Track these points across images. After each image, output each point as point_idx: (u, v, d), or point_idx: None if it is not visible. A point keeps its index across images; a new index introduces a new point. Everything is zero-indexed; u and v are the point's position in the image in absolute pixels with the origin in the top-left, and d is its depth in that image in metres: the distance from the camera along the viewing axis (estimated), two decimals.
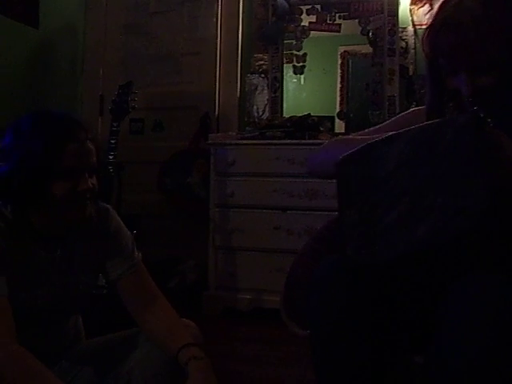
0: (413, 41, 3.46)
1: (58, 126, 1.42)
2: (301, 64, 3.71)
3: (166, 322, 1.51)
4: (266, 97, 3.70)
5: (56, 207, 1.40)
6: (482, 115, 1.05)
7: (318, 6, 3.63)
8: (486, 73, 1.22)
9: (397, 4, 3.42)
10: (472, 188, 1.01)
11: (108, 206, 1.62)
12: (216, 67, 3.83)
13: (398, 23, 3.42)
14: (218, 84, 3.83)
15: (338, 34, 3.62)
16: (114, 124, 2.91)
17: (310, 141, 3.13)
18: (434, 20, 1.29)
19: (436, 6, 1.33)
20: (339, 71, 3.71)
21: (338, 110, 3.66)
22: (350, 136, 1.48)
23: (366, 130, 1.55)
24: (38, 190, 1.38)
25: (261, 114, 3.69)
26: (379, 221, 1.11)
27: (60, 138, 1.39)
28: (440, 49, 1.26)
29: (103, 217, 1.58)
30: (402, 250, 1.09)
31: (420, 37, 3.12)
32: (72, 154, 1.39)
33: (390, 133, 1.15)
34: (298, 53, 3.70)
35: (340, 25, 3.60)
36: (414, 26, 3.46)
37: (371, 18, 3.49)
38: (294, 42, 3.69)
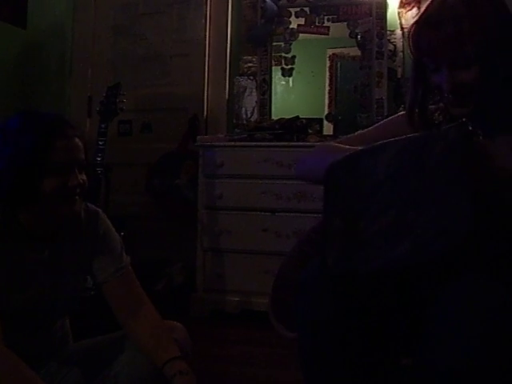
0: (401, 44, 3.47)
1: (46, 123, 1.42)
2: (289, 66, 3.71)
3: (151, 331, 1.51)
4: (255, 99, 3.70)
5: (46, 203, 1.40)
6: (470, 128, 1.06)
7: (307, 9, 3.64)
8: (466, 69, 1.24)
9: (385, 7, 3.43)
10: (455, 210, 1.01)
11: (98, 209, 1.62)
12: (204, 69, 3.82)
13: (386, 26, 3.44)
14: (206, 86, 3.82)
15: (326, 36, 3.62)
16: (102, 125, 2.89)
17: (299, 143, 3.13)
18: (418, 18, 1.32)
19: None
20: (328, 74, 3.71)
21: (326, 112, 3.66)
22: (339, 142, 1.48)
23: (353, 135, 1.55)
24: (28, 188, 1.38)
25: (249, 116, 3.69)
26: (361, 232, 1.11)
27: (48, 134, 1.40)
28: (422, 46, 1.29)
29: (93, 219, 1.58)
30: (381, 265, 1.09)
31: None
32: (61, 149, 1.40)
33: (378, 142, 1.16)
34: (286, 55, 3.70)
35: (328, 27, 3.60)
36: (402, 29, 3.47)
37: (360, 21, 3.50)
38: (283, 45, 3.70)
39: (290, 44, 3.68)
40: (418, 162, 1.07)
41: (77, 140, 1.45)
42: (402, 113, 1.50)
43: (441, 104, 1.36)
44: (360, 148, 1.21)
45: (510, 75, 1.22)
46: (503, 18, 1.24)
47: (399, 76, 3.47)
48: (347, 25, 3.54)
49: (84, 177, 1.46)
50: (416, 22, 1.31)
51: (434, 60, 1.27)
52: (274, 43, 3.70)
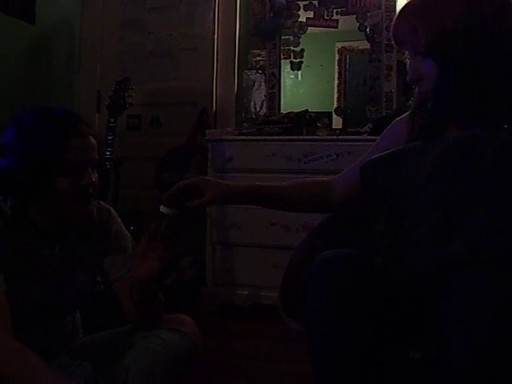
0: None
1: (62, 121, 1.42)
2: (298, 60, 3.70)
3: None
4: (264, 93, 3.70)
5: (58, 202, 1.40)
6: None
7: (316, 2, 3.63)
8: (424, 58, 1.27)
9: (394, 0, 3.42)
10: None
11: (110, 207, 1.62)
12: (213, 63, 3.82)
13: None
14: (215, 80, 3.82)
15: (335, 29, 3.61)
16: (111, 120, 2.90)
17: (308, 137, 3.13)
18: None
19: None
20: (336, 67, 3.70)
21: (335, 105, 3.65)
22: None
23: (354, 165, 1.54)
24: (41, 185, 1.38)
25: (258, 109, 3.69)
26: (409, 231, 1.10)
27: (64, 133, 1.39)
28: (394, 37, 1.36)
29: (105, 217, 1.58)
30: (435, 264, 1.09)
31: None
32: (76, 148, 1.39)
33: (418, 142, 1.16)
34: (295, 49, 3.69)
35: (337, 20, 3.59)
36: None
37: (369, 14, 3.49)
38: (292, 38, 3.69)
39: (299, 37, 3.67)
40: (467, 163, 1.07)
41: (91, 138, 1.44)
42: (397, 119, 1.49)
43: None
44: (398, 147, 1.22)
45: (465, 69, 1.22)
46: (463, 12, 1.23)
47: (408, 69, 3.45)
48: (356, 18, 3.52)
49: (96, 175, 1.46)
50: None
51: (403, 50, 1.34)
52: (283, 37, 3.69)
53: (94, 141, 1.45)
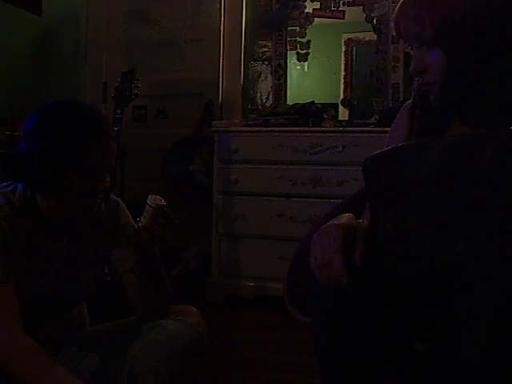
0: None
1: (87, 122, 1.41)
2: (305, 51, 3.69)
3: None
4: (270, 84, 3.69)
5: (67, 199, 1.40)
6: None
7: None
8: (429, 49, 1.25)
9: None
10: None
11: (118, 198, 1.62)
12: (219, 54, 3.81)
13: None
14: (221, 71, 3.82)
15: (342, 20, 3.60)
16: (117, 111, 2.90)
17: (314, 128, 3.12)
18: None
19: None
20: (343, 58, 3.69)
21: (341, 97, 3.65)
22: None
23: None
24: (56, 181, 1.38)
25: (264, 101, 3.68)
26: (412, 231, 1.10)
27: (89, 136, 1.38)
28: (397, 29, 1.33)
29: (113, 209, 1.58)
30: (443, 263, 1.08)
31: None
32: (98, 152, 1.40)
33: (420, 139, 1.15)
34: (301, 40, 3.68)
35: (344, 12, 3.57)
36: None
37: (375, 5, 3.47)
38: (298, 29, 3.67)
39: (305, 28, 3.66)
40: (468, 162, 1.06)
41: (113, 143, 1.44)
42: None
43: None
44: (400, 144, 1.21)
45: (474, 60, 1.20)
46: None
47: None
48: (363, 9, 3.51)
49: (108, 180, 1.46)
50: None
51: (406, 42, 1.32)
52: (289, 28, 3.68)
53: (114, 145, 1.45)
